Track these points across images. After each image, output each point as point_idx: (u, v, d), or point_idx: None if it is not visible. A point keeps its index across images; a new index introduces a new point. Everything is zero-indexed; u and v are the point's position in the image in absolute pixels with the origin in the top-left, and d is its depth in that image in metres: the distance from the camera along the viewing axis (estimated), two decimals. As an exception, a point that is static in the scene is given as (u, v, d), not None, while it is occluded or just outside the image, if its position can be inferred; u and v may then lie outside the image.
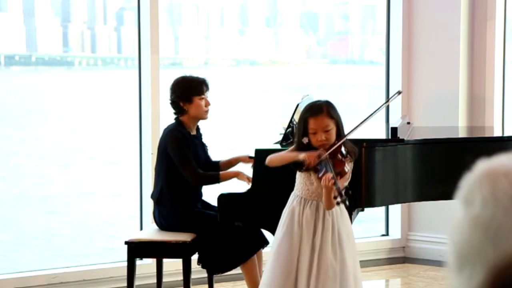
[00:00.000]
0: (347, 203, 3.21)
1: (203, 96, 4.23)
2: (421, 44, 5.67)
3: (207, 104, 4.26)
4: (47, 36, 40.89)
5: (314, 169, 3.39)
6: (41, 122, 24.66)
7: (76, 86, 35.63)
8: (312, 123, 3.42)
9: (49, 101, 30.19)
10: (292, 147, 3.56)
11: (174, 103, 4.25)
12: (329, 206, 3.39)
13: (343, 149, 3.44)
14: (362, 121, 3.60)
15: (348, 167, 3.40)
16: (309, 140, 3.44)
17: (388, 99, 3.51)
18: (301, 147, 3.46)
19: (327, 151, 3.37)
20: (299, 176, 3.51)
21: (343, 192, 3.21)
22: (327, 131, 3.42)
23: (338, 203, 3.22)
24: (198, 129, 4.36)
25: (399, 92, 3.78)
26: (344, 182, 3.36)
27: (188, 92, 4.22)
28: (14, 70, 40.79)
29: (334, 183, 3.23)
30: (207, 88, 4.28)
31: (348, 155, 3.44)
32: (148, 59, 5.06)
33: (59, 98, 30.88)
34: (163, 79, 5.09)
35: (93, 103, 28.78)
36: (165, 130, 4.27)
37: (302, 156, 3.39)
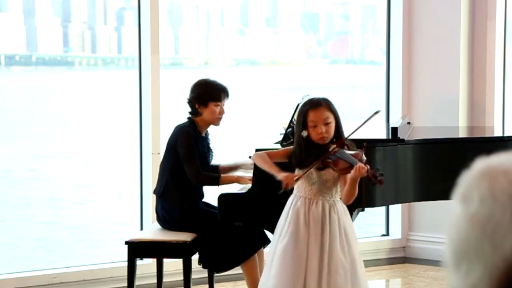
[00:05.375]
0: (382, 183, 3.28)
1: (219, 103, 4.26)
2: (421, 44, 5.67)
3: (222, 112, 4.29)
4: (48, 36, 40.89)
5: (328, 164, 3.38)
6: (41, 122, 24.65)
7: (77, 86, 35.63)
8: (312, 116, 3.42)
9: (49, 101, 30.18)
10: (289, 147, 3.54)
11: (190, 103, 4.28)
12: (350, 198, 3.37)
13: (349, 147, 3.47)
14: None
15: (364, 156, 3.39)
16: (308, 134, 3.43)
17: (367, 119, 3.52)
18: (300, 142, 3.45)
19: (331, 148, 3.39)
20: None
21: (376, 173, 3.28)
22: (327, 124, 3.41)
23: (379, 182, 3.26)
24: (207, 133, 4.38)
25: (376, 112, 3.68)
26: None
27: (205, 96, 4.24)
28: (14, 70, 40.78)
29: (367, 169, 3.26)
30: (226, 97, 4.31)
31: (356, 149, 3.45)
32: (148, 59, 5.07)
33: (60, 98, 30.87)
34: (163, 79, 5.10)
35: (94, 103, 28.78)
36: (176, 127, 4.30)
37: (281, 176, 3.39)
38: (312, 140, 3.43)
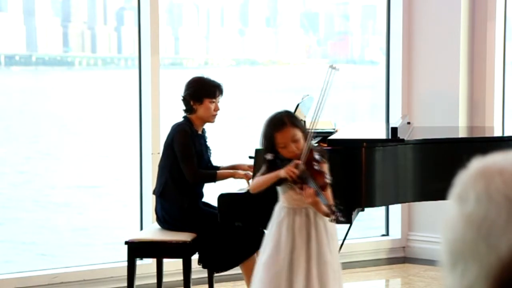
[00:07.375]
0: (340, 218, 3.21)
1: (214, 100, 4.28)
2: (421, 44, 5.67)
3: (216, 108, 4.31)
4: (47, 36, 40.88)
5: (294, 182, 3.32)
6: (40, 122, 24.65)
7: (76, 86, 35.64)
8: (279, 138, 3.38)
9: (49, 101, 30.18)
10: (264, 168, 3.49)
11: (185, 100, 4.30)
12: (324, 214, 3.36)
13: (315, 154, 3.39)
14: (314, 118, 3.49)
15: (328, 177, 3.34)
16: (277, 155, 3.40)
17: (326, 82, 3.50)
18: (269, 164, 3.42)
19: (301, 160, 3.33)
20: (282, 188, 3.47)
21: (333, 208, 3.20)
22: (296, 141, 3.38)
23: (331, 221, 3.23)
24: (203, 131, 4.39)
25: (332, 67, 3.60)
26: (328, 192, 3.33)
27: (200, 92, 4.27)
28: (14, 70, 40.78)
29: (318, 195, 3.21)
30: (221, 93, 4.33)
31: (322, 158, 3.40)
32: (148, 59, 5.07)
33: (59, 98, 30.88)
34: (163, 79, 5.10)
35: (93, 103, 28.78)
36: (173, 126, 4.31)
37: (282, 173, 3.35)
38: (281, 159, 3.40)
